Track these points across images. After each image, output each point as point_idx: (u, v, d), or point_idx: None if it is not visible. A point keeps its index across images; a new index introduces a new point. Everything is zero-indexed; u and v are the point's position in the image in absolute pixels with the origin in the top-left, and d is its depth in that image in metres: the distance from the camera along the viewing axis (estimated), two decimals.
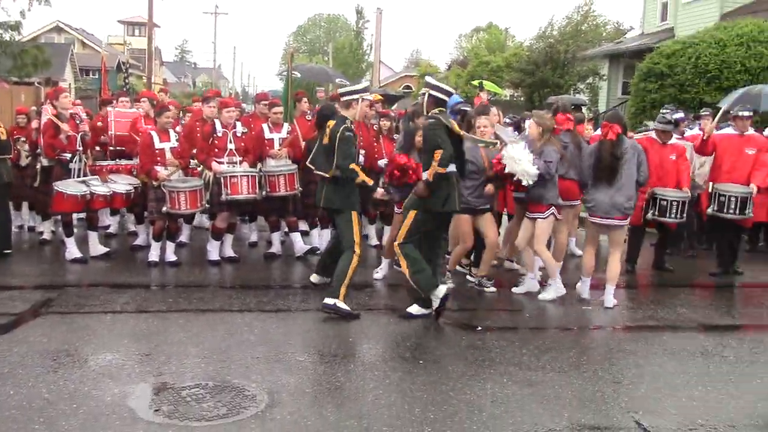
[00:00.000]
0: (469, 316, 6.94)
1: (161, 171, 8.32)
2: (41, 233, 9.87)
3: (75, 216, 8.90)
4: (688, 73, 15.75)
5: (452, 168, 6.46)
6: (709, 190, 8.93)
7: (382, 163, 9.35)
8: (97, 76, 37.67)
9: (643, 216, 8.53)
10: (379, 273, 8.15)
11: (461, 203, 6.73)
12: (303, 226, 9.47)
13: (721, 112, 9.03)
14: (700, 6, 22.58)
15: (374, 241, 10.06)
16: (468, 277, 8.09)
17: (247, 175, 8.39)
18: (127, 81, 20.57)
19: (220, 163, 8.47)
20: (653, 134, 8.84)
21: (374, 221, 10.10)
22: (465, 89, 27.09)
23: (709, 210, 8.79)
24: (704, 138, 8.80)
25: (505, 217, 9.12)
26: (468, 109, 8.82)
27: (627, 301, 7.79)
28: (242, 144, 8.66)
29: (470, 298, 7.54)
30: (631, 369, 5.56)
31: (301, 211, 9.10)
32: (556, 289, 7.44)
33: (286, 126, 9.19)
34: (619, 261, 7.45)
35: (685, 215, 8.53)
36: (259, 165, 8.86)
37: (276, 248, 9.20)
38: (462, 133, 6.58)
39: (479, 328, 6.50)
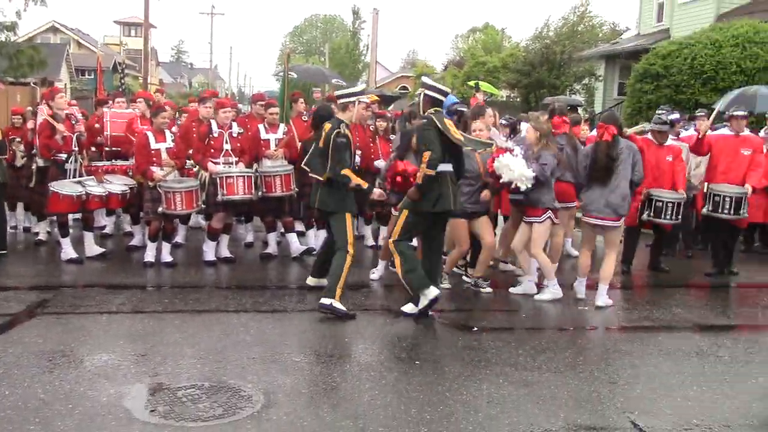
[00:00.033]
0: (466, 316, 6.94)
1: (157, 171, 8.31)
2: (37, 234, 9.86)
3: (70, 216, 8.89)
4: (683, 73, 15.79)
5: (445, 167, 6.45)
6: (704, 190, 8.95)
7: (378, 163, 9.37)
8: (92, 77, 37.58)
9: (638, 217, 8.55)
10: (376, 274, 8.15)
11: (456, 205, 6.69)
12: (299, 226, 9.48)
13: (715, 112, 9.05)
14: (696, 7, 22.64)
15: (370, 242, 10.07)
16: (464, 277, 8.10)
17: (243, 176, 8.39)
18: (123, 81, 20.55)
19: (216, 163, 8.46)
20: (649, 135, 8.85)
21: (370, 222, 10.10)
22: (461, 90, 27.08)
23: (704, 210, 8.81)
24: (700, 137, 8.82)
25: (500, 218, 9.13)
26: (464, 109, 8.83)
27: (623, 301, 7.81)
28: (238, 144, 8.66)
29: (466, 299, 7.55)
30: (627, 369, 5.57)
31: (297, 211, 9.11)
32: (553, 293, 7.45)
33: (282, 126, 9.20)
34: (613, 261, 7.47)
35: (680, 217, 8.55)
36: (255, 165, 8.86)
37: (272, 249, 9.20)
38: (457, 134, 6.54)
39: (475, 328, 6.51)
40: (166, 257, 8.53)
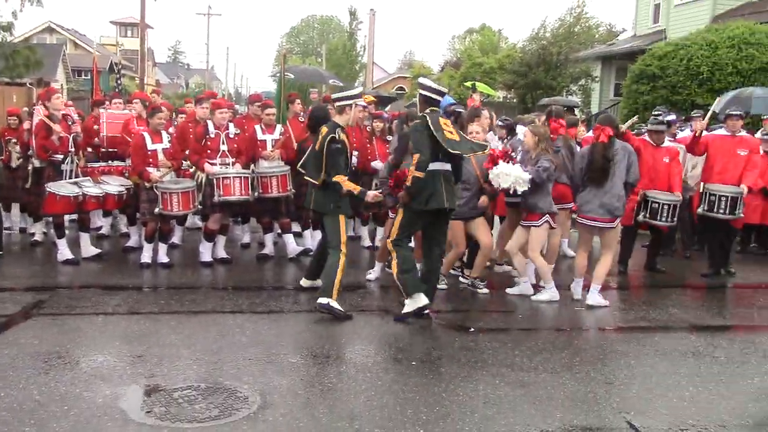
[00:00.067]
0: (462, 317, 6.95)
1: (153, 172, 8.31)
2: (33, 235, 9.84)
3: (66, 217, 8.87)
4: (679, 74, 15.81)
5: (438, 166, 6.44)
6: (701, 190, 8.96)
7: (375, 164, 9.38)
8: (89, 77, 37.50)
9: (634, 218, 8.56)
10: (372, 275, 8.15)
11: (452, 203, 6.64)
12: (296, 227, 9.48)
13: (710, 112, 9.06)
14: (692, 8, 22.69)
15: (367, 243, 10.07)
16: (461, 278, 8.11)
17: (240, 177, 8.38)
18: (119, 82, 20.51)
19: (212, 164, 8.46)
20: (646, 135, 8.87)
21: (367, 223, 10.11)
22: (458, 90, 27.12)
23: (700, 210, 8.83)
24: (696, 135, 8.83)
25: (496, 219, 9.13)
26: (461, 110, 8.85)
27: (619, 302, 7.82)
28: (235, 145, 8.65)
29: (463, 300, 7.56)
30: (623, 370, 5.58)
31: (293, 212, 9.11)
32: (550, 294, 7.46)
33: (278, 127, 9.20)
34: (608, 263, 7.48)
35: (676, 218, 8.56)
36: (251, 166, 8.85)
37: (269, 249, 9.20)
38: (452, 134, 6.52)
39: (472, 329, 6.51)
40: (163, 258, 8.52)
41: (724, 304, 8.12)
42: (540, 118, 8.80)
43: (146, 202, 8.39)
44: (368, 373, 5.29)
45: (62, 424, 4.28)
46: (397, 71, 61.05)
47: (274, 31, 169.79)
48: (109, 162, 9.42)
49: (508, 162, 7.26)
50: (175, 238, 9.52)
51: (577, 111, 20.06)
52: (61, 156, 8.51)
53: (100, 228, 10.28)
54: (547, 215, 7.33)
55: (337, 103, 7.00)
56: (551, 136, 7.53)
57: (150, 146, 8.39)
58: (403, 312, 6.60)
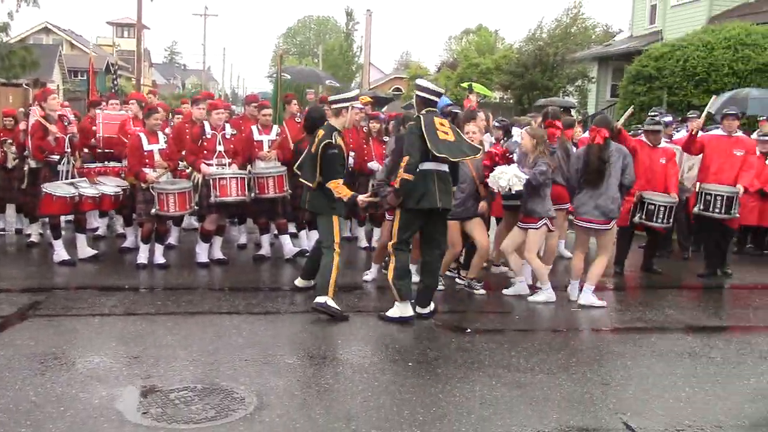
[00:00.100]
0: (459, 318, 6.95)
1: (150, 173, 8.30)
2: (29, 236, 9.82)
3: (63, 218, 8.86)
4: (676, 75, 15.86)
5: (431, 166, 6.44)
6: (697, 189, 8.98)
7: (372, 165, 9.39)
8: (85, 78, 37.48)
9: (630, 219, 8.57)
10: (369, 276, 8.15)
11: (446, 203, 6.60)
12: (292, 228, 9.47)
13: (705, 112, 9.07)
14: (688, 9, 22.74)
15: (363, 244, 10.07)
16: (457, 279, 8.11)
17: (236, 177, 8.38)
18: (115, 83, 20.51)
19: (209, 164, 8.45)
20: (642, 136, 8.89)
21: (364, 224, 10.11)
22: (454, 91, 27.15)
23: (695, 209, 8.84)
24: (692, 134, 8.83)
25: (492, 220, 9.14)
26: (458, 111, 8.85)
27: (615, 303, 7.83)
28: (231, 146, 8.65)
29: (460, 301, 7.56)
30: (620, 371, 5.58)
31: (290, 213, 9.10)
32: (547, 295, 7.46)
33: (275, 128, 9.19)
34: (603, 263, 7.48)
35: (671, 220, 8.58)
36: (248, 167, 8.85)
37: (265, 250, 9.19)
38: (447, 135, 6.52)
39: (468, 330, 6.51)
40: (159, 259, 8.51)
41: (721, 305, 8.13)
42: (536, 120, 8.81)
43: (142, 203, 8.39)
44: (365, 373, 5.29)
45: (58, 425, 4.27)
46: (394, 72, 61.07)
47: (271, 31, 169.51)
48: (106, 163, 9.41)
49: (504, 163, 7.27)
50: (172, 239, 9.51)
51: (573, 112, 20.11)
52: (57, 157, 8.49)
53: (96, 229, 10.27)
54: (546, 219, 7.35)
55: (334, 106, 7.00)
56: (548, 140, 7.53)
57: (146, 147, 8.38)
58: (388, 314, 6.62)
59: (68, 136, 8.60)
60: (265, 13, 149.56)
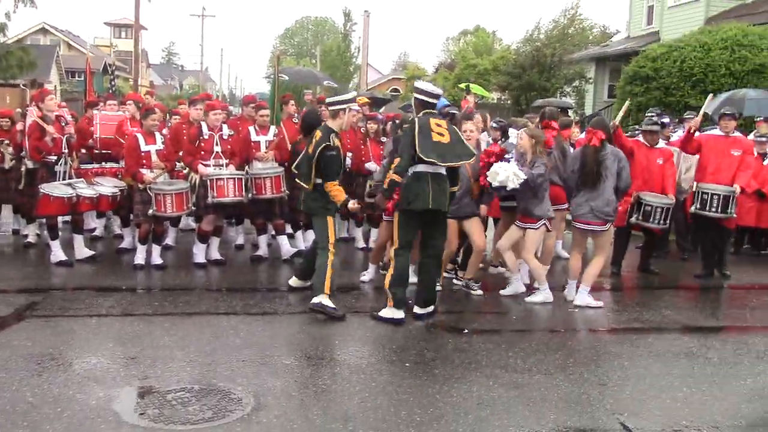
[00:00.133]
0: (456, 318, 6.95)
1: (147, 174, 8.29)
2: (26, 236, 9.81)
3: (60, 219, 8.85)
4: (673, 76, 15.86)
5: (426, 168, 6.44)
6: (694, 189, 8.98)
7: (369, 165, 9.39)
8: (82, 78, 37.44)
9: (627, 219, 8.58)
10: (366, 276, 8.15)
11: (438, 205, 6.57)
12: (288, 228, 9.47)
13: (701, 112, 9.08)
14: (686, 10, 22.77)
15: (361, 244, 10.07)
16: (454, 280, 8.11)
17: (234, 178, 8.38)
18: (113, 83, 20.48)
19: (206, 165, 8.45)
20: (640, 136, 8.89)
21: (361, 224, 10.11)
22: (452, 92, 27.13)
23: (692, 208, 8.85)
24: (690, 132, 8.84)
25: (490, 221, 9.14)
26: (456, 112, 8.86)
27: (612, 303, 7.84)
28: (228, 146, 8.65)
29: (457, 301, 7.56)
30: (617, 371, 5.59)
31: (287, 213, 9.10)
32: (544, 296, 7.47)
33: (272, 129, 9.18)
34: (599, 264, 7.49)
35: (668, 221, 8.59)
36: (245, 167, 8.84)
37: (262, 251, 9.19)
38: (442, 137, 6.52)
39: (466, 330, 6.51)
40: (156, 260, 8.51)
41: (717, 306, 8.15)
42: (533, 121, 8.82)
43: (140, 204, 8.38)
44: (362, 374, 5.30)
45: (55, 426, 4.27)
46: (392, 72, 61.10)
47: (269, 32, 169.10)
48: (103, 164, 9.39)
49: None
50: (169, 240, 9.51)
51: (570, 112, 20.10)
52: (55, 157, 8.48)
53: (93, 230, 10.25)
54: (545, 219, 7.36)
55: (331, 107, 7.00)
56: (546, 143, 7.54)
57: (143, 147, 8.37)
58: (380, 314, 6.64)
59: (65, 136, 8.59)
60: (263, 14, 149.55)
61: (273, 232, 9.30)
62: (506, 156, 7.62)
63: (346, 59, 61.23)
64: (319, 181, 6.79)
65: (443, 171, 6.57)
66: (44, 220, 8.76)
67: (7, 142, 9.55)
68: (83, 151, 9.59)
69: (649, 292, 8.44)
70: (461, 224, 7.57)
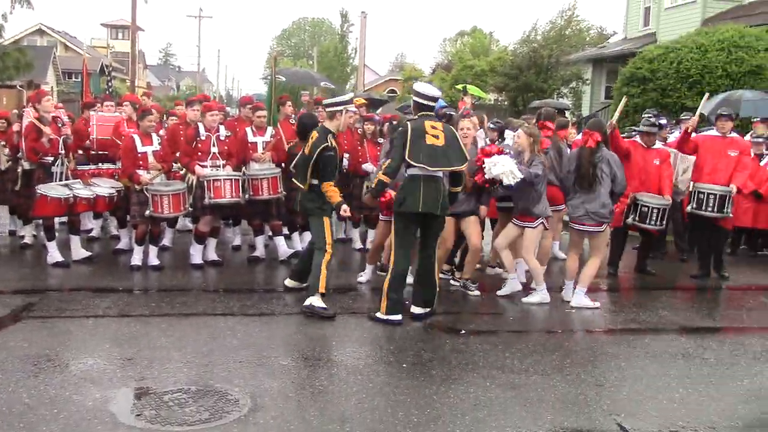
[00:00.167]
0: (453, 319, 6.95)
1: (144, 175, 8.28)
2: (22, 237, 9.79)
3: (57, 220, 8.84)
4: (669, 77, 15.87)
5: (419, 171, 6.46)
6: (690, 189, 8.99)
7: (366, 166, 9.39)
8: (79, 80, 37.39)
9: (623, 220, 8.59)
10: (363, 277, 8.15)
11: (429, 208, 6.54)
12: (285, 230, 9.47)
13: (697, 113, 9.10)
14: (682, 11, 22.80)
15: (358, 245, 10.07)
16: (452, 281, 8.11)
17: (231, 179, 8.37)
18: (110, 84, 20.47)
19: (203, 166, 8.44)
20: (637, 137, 8.90)
21: (358, 225, 10.11)
22: (449, 93, 27.14)
23: (689, 208, 8.86)
24: (687, 132, 8.84)
25: (488, 222, 9.14)
26: (453, 113, 8.85)
27: (609, 304, 7.85)
28: (225, 147, 8.64)
29: (454, 302, 7.56)
30: (614, 372, 5.59)
31: (284, 214, 9.10)
32: (541, 296, 7.48)
33: (269, 130, 9.18)
34: (595, 266, 7.49)
35: (665, 222, 8.59)
36: (242, 168, 8.84)
37: (260, 252, 9.19)
38: (436, 139, 6.51)
39: (463, 331, 6.52)
40: (153, 260, 8.50)
41: (714, 306, 8.16)
42: (530, 122, 8.83)
43: (136, 205, 8.37)
44: (359, 375, 5.29)
45: (52, 427, 4.26)
46: (389, 74, 61.09)
47: (266, 33, 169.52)
48: (100, 165, 9.38)
49: None
50: (166, 241, 9.49)
51: (567, 113, 20.12)
52: (51, 158, 8.47)
53: (90, 230, 10.24)
54: (543, 218, 7.38)
55: (329, 109, 7.03)
56: (542, 145, 7.55)
57: (140, 149, 8.37)
58: (377, 315, 6.65)
59: (62, 137, 8.59)
60: (260, 15, 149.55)
61: (270, 233, 9.29)
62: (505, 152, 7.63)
63: (343, 60, 61.22)
64: (315, 181, 6.81)
65: (439, 174, 6.58)
66: (41, 221, 8.74)
67: (3, 143, 9.53)
68: (80, 152, 9.58)
69: (646, 293, 8.45)
70: (459, 222, 7.57)
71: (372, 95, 27.23)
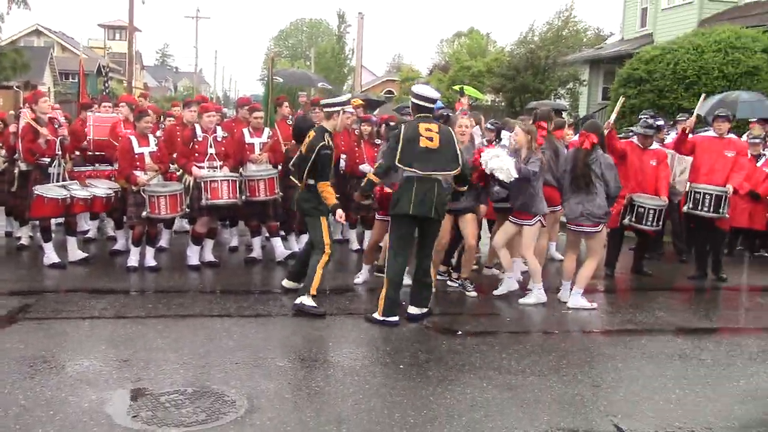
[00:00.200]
0: (450, 320, 6.95)
1: (140, 176, 8.28)
2: (19, 238, 9.77)
3: (53, 221, 8.82)
4: (666, 78, 15.90)
5: (412, 173, 6.47)
6: (687, 189, 9.01)
7: (363, 167, 9.38)
8: (76, 80, 37.37)
9: (620, 220, 8.59)
10: (360, 278, 8.15)
11: (420, 211, 6.52)
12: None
13: (694, 113, 9.10)
14: (679, 12, 22.84)
15: (355, 246, 10.07)
16: (449, 281, 8.11)
17: (228, 180, 8.37)
18: (107, 85, 20.49)
19: (200, 167, 8.44)
20: (634, 138, 8.91)
21: (355, 226, 10.10)
22: (446, 94, 27.17)
23: (685, 208, 8.87)
24: (684, 132, 8.85)
25: (485, 223, 9.14)
26: (450, 114, 8.86)
27: (606, 305, 7.85)
28: (222, 148, 8.63)
29: (450, 303, 7.56)
30: (610, 372, 5.59)
31: (281, 215, 9.10)
32: (537, 296, 7.48)
33: (266, 131, 9.18)
34: (592, 267, 7.49)
35: (661, 223, 8.60)
36: (239, 170, 8.84)
37: (256, 253, 9.18)
38: (431, 142, 6.51)
39: (459, 332, 6.52)
40: (150, 262, 8.49)
41: (711, 307, 8.16)
42: (527, 122, 8.83)
43: (133, 206, 8.36)
44: (356, 376, 5.29)
45: (48, 428, 4.25)
46: (386, 74, 61.08)
47: (263, 34, 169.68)
48: (96, 166, 9.36)
49: None
50: (163, 242, 9.49)
51: (564, 114, 20.14)
52: (48, 159, 8.46)
53: (86, 232, 10.23)
54: (540, 215, 7.39)
55: (326, 109, 7.05)
56: (537, 143, 7.56)
57: (137, 149, 8.37)
58: (374, 316, 6.65)
59: (59, 138, 8.58)
60: (257, 16, 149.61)
61: (267, 234, 9.29)
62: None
63: (341, 61, 61.25)
64: (311, 181, 6.82)
65: (438, 176, 6.58)
66: (37, 223, 8.73)
67: (0, 144, 9.51)
68: (77, 153, 9.56)
69: (643, 294, 8.45)
70: (457, 219, 7.57)
71: (369, 96, 27.21)
